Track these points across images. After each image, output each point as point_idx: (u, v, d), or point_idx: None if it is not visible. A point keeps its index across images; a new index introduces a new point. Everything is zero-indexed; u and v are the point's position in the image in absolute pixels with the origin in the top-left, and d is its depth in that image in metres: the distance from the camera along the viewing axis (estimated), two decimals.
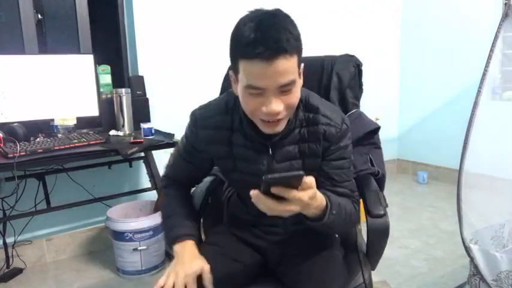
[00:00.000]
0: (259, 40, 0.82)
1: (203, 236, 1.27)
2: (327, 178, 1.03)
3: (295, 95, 0.91)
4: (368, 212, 1.13)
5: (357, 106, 1.40)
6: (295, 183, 0.79)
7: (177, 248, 1.00)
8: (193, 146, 1.09)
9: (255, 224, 1.15)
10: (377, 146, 1.37)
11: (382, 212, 1.12)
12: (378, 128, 1.34)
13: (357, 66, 1.38)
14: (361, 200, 1.25)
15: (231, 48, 0.89)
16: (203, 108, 1.08)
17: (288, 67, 0.85)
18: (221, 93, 1.36)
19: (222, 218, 1.28)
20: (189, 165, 1.12)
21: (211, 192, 1.28)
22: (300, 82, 0.93)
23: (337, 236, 1.19)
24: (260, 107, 0.89)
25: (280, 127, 0.95)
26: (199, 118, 1.06)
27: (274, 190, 0.78)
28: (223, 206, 1.26)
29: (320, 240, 1.11)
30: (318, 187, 0.90)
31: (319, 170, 1.04)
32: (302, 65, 0.94)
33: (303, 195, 0.80)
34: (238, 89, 0.92)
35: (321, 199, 0.88)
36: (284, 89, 0.87)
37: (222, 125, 1.04)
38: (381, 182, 1.31)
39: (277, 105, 0.88)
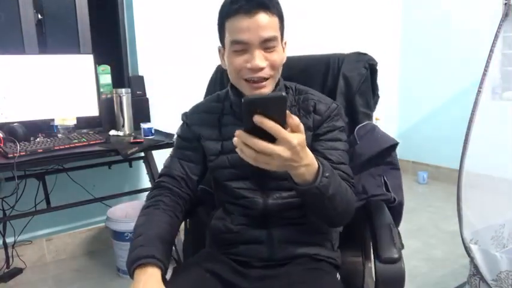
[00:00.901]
0: None
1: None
2: (322, 158, 0.93)
3: (279, 54, 0.94)
4: (377, 255, 0.87)
5: (369, 117, 1.18)
6: (279, 116, 0.70)
7: (137, 274, 0.83)
8: (184, 138, 1.08)
9: (237, 241, 1.02)
10: (394, 166, 1.15)
11: (395, 256, 0.85)
12: (395, 145, 1.13)
13: (370, 66, 1.18)
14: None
15: (218, 19, 0.95)
16: (195, 104, 1.13)
17: (270, 22, 0.90)
18: (206, 91, 1.38)
19: (203, 241, 1.16)
20: (182, 161, 1.06)
21: (191, 213, 1.14)
22: (282, 50, 0.96)
23: (338, 277, 1.01)
24: (244, 65, 0.91)
25: (266, 90, 0.94)
26: (191, 109, 1.11)
27: (256, 119, 0.69)
28: (207, 228, 1.11)
29: (318, 274, 0.96)
30: None
31: (313, 151, 0.94)
32: (286, 41, 0.98)
33: (291, 136, 0.72)
34: (226, 55, 0.96)
35: (311, 157, 0.80)
36: (267, 46, 0.91)
37: (212, 110, 1.06)
38: (396, 212, 1.10)
39: (261, 61, 0.90)
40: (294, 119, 0.73)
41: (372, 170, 1.13)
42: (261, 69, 0.91)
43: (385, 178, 1.13)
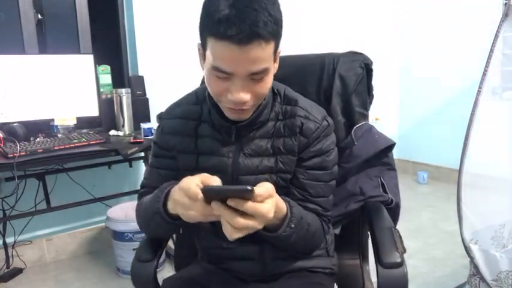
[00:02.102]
0: (232, 20, 0.70)
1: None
2: (300, 189, 0.90)
3: (266, 85, 0.80)
4: (378, 260, 0.85)
5: (365, 117, 1.16)
6: (246, 197, 0.68)
7: (169, 199, 0.80)
8: (160, 147, 0.96)
9: (228, 257, 0.96)
10: (391, 167, 1.15)
11: (398, 260, 0.84)
12: (392, 145, 1.13)
13: (365, 66, 1.15)
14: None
15: (201, 19, 0.77)
16: (171, 104, 1.00)
17: (262, 55, 0.74)
18: None
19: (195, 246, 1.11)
20: (161, 171, 0.96)
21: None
22: (274, 69, 0.83)
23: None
24: (225, 93, 0.78)
25: (247, 115, 0.85)
26: (166, 111, 0.98)
27: (230, 203, 0.68)
28: (196, 238, 1.06)
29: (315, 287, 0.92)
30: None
31: (293, 177, 0.91)
32: (279, 49, 0.83)
33: (268, 210, 0.70)
34: (205, 68, 0.81)
35: (281, 206, 0.78)
36: (254, 77, 0.77)
37: (189, 115, 0.93)
38: (394, 213, 1.09)
39: (245, 94, 0.77)
40: (262, 196, 0.69)
41: (369, 171, 1.12)
42: (244, 102, 0.78)
43: (382, 179, 1.12)
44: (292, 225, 0.81)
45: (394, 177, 1.15)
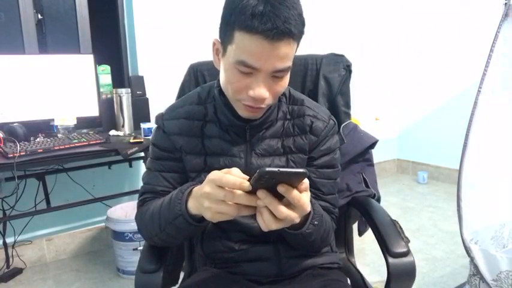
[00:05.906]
0: (267, 15, 0.71)
1: None
2: (312, 188, 0.90)
3: (284, 84, 0.82)
4: (387, 250, 0.91)
5: (349, 116, 1.22)
6: (295, 184, 0.67)
7: (192, 197, 0.77)
8: (163, 149, 0.93)
9: (241, 259, 0.93)
10: (370, 163, 1.21)
11: (405, 249, 0.90)
12: (375, 142, 1.19)
13: (347, 67, 1.19)
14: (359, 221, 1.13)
15: (227, 12, 0.77)
16: (170, 105, 0.98)
17: (289, 52, 0.76)
18: (178, 95, 1.21)
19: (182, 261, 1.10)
20: (164, 174, 0.93)
21: None
22: None
23: (349, 282, 1.00)
24: (246, 90, 0.78)
25: (261, 113, 0.86)
26: (168, 111, 0.95)
27: (280, 189, 0.65)
28: (198, 245, 1.01)
29: (336, 285, 0.91)
30: None
31: None
32: None
33: (307, 203, 0.68)
34: (225, 63, 0.80)
35: None
36: (277, 75, 0.78)
37: (193, 115, 0.91)
38: None
39: (265, 91, 0.78)
40: (305, 184, 0.68)
41: (353, 167, 1.17)
42: (264, 99, 0.79)
43: (364, 175, 1.18)
44: (316, 223, 0.81)
45: (373, 173, 1.21)
